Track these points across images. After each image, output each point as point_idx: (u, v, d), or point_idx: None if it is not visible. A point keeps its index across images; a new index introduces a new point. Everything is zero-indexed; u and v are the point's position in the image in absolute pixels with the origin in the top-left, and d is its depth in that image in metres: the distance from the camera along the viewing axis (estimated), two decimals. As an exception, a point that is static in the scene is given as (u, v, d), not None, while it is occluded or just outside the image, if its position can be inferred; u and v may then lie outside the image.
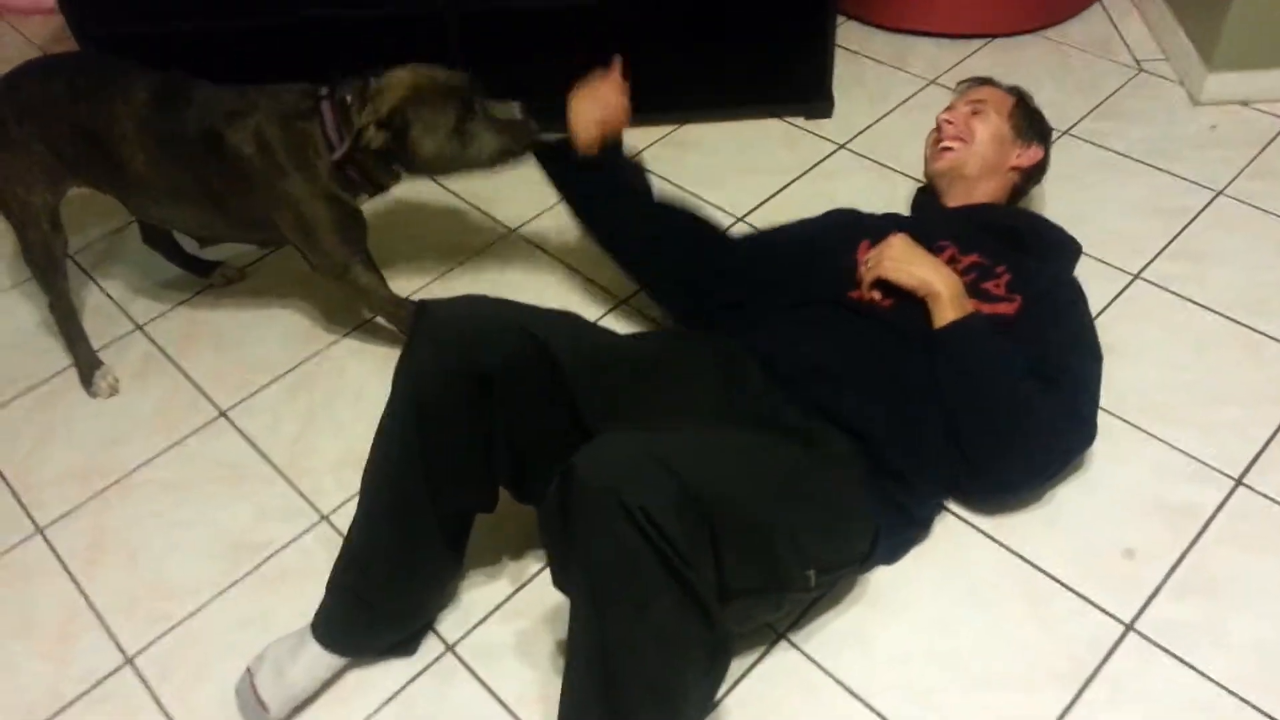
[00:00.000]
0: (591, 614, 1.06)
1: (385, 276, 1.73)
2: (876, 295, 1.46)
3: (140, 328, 1.93)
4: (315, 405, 1.75)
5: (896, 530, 1.39)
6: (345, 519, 1.52)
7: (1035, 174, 1.70)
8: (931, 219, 1.64)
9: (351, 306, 1.91)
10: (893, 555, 1.43)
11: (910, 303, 1.43)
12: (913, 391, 1.38)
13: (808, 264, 1.57)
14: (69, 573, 1.55)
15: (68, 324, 1.81)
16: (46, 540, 1.59)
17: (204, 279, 2.00)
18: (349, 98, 1.55)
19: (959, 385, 1.37)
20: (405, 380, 1.27)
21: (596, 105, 1.63)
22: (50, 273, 1.76)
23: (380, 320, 1.85)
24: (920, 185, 1.73)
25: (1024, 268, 1.48)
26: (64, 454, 1.72)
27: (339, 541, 1.49)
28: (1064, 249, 1.62)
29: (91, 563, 1.55)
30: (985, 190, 1.65)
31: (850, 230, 1.58)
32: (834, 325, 1.44)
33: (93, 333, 1.88)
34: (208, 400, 1.78)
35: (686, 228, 1.69)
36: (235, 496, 1.63)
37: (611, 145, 1.66)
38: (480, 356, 1.22)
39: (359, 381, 1.78)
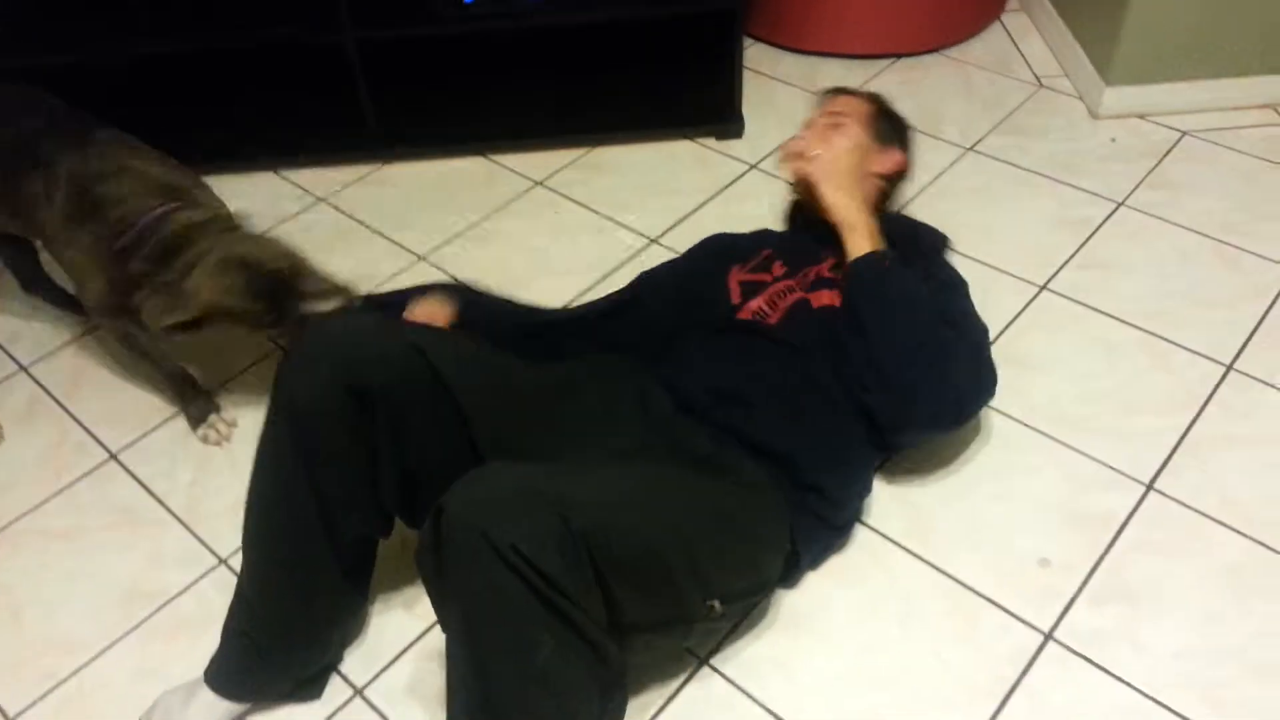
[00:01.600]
0: (470, 659, 1.01)
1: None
2: (788, 174, 1.48)
3: (25, 369, 1.83)
4: (210, 448, 1.68)
5: (818, 540, 1.37)
6: (243, 562, 1.46)
7: (898, 178, 1.68)
8: (809, 231, 1.60)
9: (244, 345, 1.84)
10: (816, 561, 1.41)
11: (796, 313, 1.42)
12: (815, 401, 1.36)
13: (687, 292, 1.55)
14: (-54, 633, 1.45)
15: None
16: (-79, 598, 1.49)
17: (88, 320, 1.91)
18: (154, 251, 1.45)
19: (874, 308, 1.35)
20: (281, 394, 1.21)
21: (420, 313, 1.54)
22: None
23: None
24: (794, 199, 1.71)
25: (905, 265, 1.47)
26: (-58, 505, 1.62)
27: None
28: (935, 244, 1.61)
29: (-30, 620, 1.46)
30: None
31: (723, 256, 1.57)
32: (730, 348, 1.42)
33: (-27, 377, 1.79)
34: (97, 443, 1.69)
35: (570, 322, 1.62)
36: (128, 543, 1.54)
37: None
38: (359, 369, 1.17)
39: (255, 421, 1.69)
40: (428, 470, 1.21)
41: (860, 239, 1.41)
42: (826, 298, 1.44)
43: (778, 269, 1.50)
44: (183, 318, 1.41)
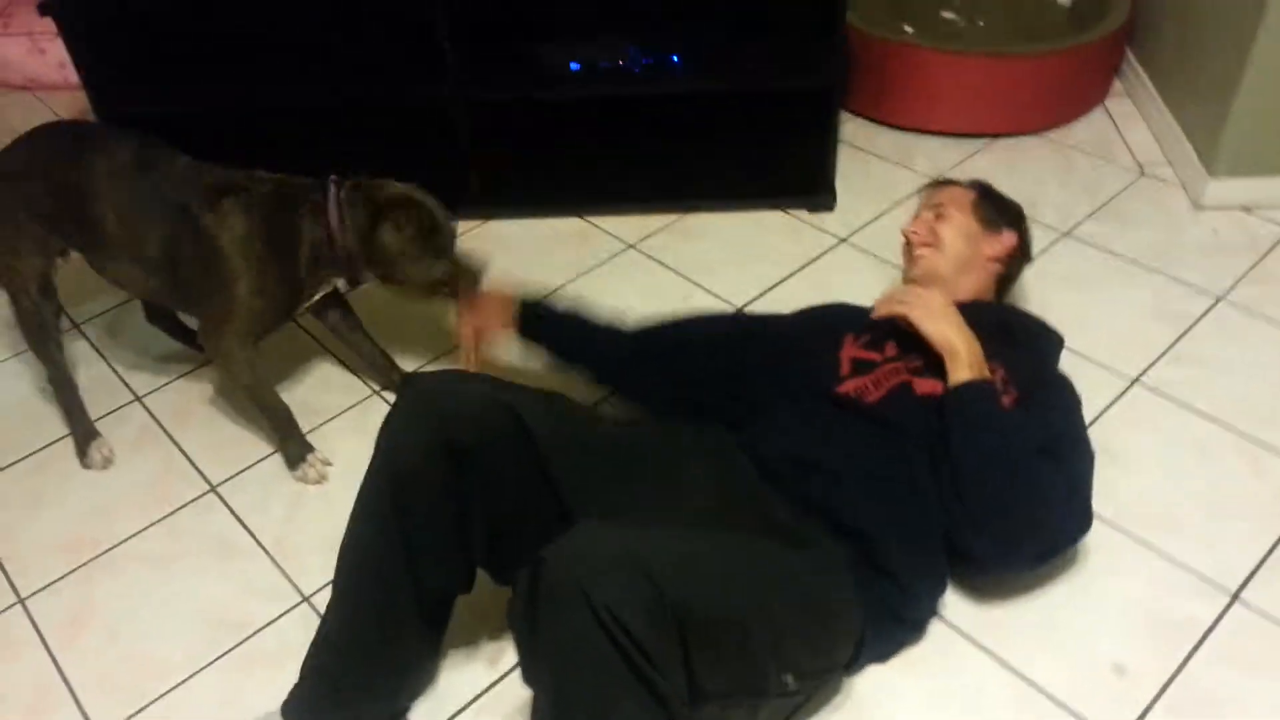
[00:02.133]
0: (555, 709, 1.04)
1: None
2: (870, 324, 1.48)
3: (139, 399, 1.95)
4: (304, 486, 1.75)
5: (887, 631, 1.36)
6: (326, 600, 1.51)
7: (1017, 259, 1.71)
8: None
9: (347, 386, 1.92)
10: (883, 655, 1.40)
11: (897, 396, 1.42)
12: (903, 487, 1.36)
13: (795, 358, 1.56)
14: (46, 645, 1.53)
15: (64, 394, 1.83)
16: (26, 611, 1.58)
17: (204, 355, 2.02)
18: (342, 192, 1.62)
19: (968, 442, 1.34)
20: (382, 451, 1.27)
21: (474, 315, 1.67)
22: (43, 341, 1.78)
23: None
24: (908, 280, 1.75)
25: (1018, 363, 1.48)
26: (53, 524, 1.72)
27: (318, 622, 1.48)
28: (1050, 342, 1.61)
29: (70, 636, 1.54)
30: (969, 285, 1.64)
31: (839, 324, 1.59)
32: (823, 420, 1.43)
33: (93, 403, 1.90)
34: (200, 474, 1.79)
35: (665, 351, 1.65)
36: (220, 574, 1.62)
37: (527, 321, 1.66)
38: (457, 428, 1.23)
39: (349, 461, 1.78)
40: (516, 526, 1.26)
41: (961, 367, 1.39)
42: (931, 386, 1.43)
43: (890, 349, 1.50)
44: (382, 199, 1.62)
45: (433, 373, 1.33)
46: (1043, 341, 1.59)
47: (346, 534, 1.31)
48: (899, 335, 1.49)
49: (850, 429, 1.41)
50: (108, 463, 1.81)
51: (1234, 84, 2.05)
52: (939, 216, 1.67)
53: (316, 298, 1.72)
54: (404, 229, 1.62)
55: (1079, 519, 1.40)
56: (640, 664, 1.00)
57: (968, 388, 1.38)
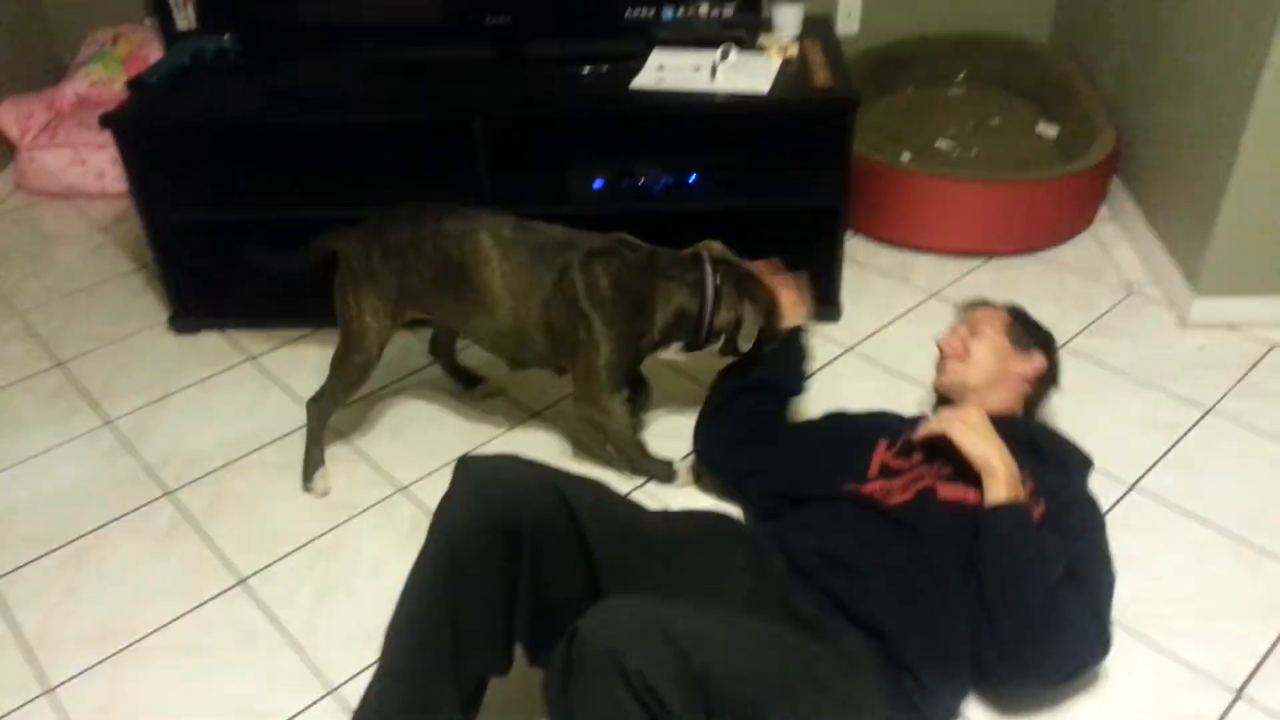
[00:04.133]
0: None
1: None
2: (915, 444, 1.55)
3: (170, 493, 2.00)
4: (333, 578, 1.80)
5: None
6: (354, 692, 1.55)
7: (1045, 380, 1.78)
8: None
9: (372, 483, 1.99)
10: None
11: (919, 500, 1.49)
12: (924, 588, 1.41)
13: (830, 458, 1.64)
14: (76, 734, 1.56)
15: (321, 428, 2.00)
16: (57, 700, 1.61)
17: (469, 391, 2.21)
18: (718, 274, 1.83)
19: (999, 565, 1.39)
20: (439, 531, 1.33)
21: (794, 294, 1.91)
22: (352, 391, 1.98)
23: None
24: (936, 401, 1.85)
25: (1046, 478, 1.53)
26: (86, 614, 1.75)
27: (345, 716, 1.52)
28: (1079, 462, 1.67)
29: (100, 725, 1.57)
30: (997, 400, 1.71)
31: (877, 430, 1.67)
32: (854, 521, 1.50)
33: (121, 497, 1.97)
34: (228, 567, 1.83)
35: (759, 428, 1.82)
36: (248, 665, 1.65)
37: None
38: (511, 510, 1.29)
39: (377, 557, 1.83)
40: (558, 608, 1.31)
41: (998, 485, 1.44)
42: (956, 492, 1.49)
43: (917, 457, 1.58)
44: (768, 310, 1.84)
45: (487, 455, 1.39)
46: (1072, 460, 1.65)
47: (395, 612, 1.36)
48: (931, 448, 1.55)
49: (875, 529, 1.48)
50: (324, 493, 1.97)
51: (1215, 208, 2.19)
52: (973, 333, 1.76)
53: (656, 355, 1.89)
54: (759, 313, 1.82)
55: (1100, 643, 1.43)
56: None
57: (1005, 510, 1.42)
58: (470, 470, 1.36)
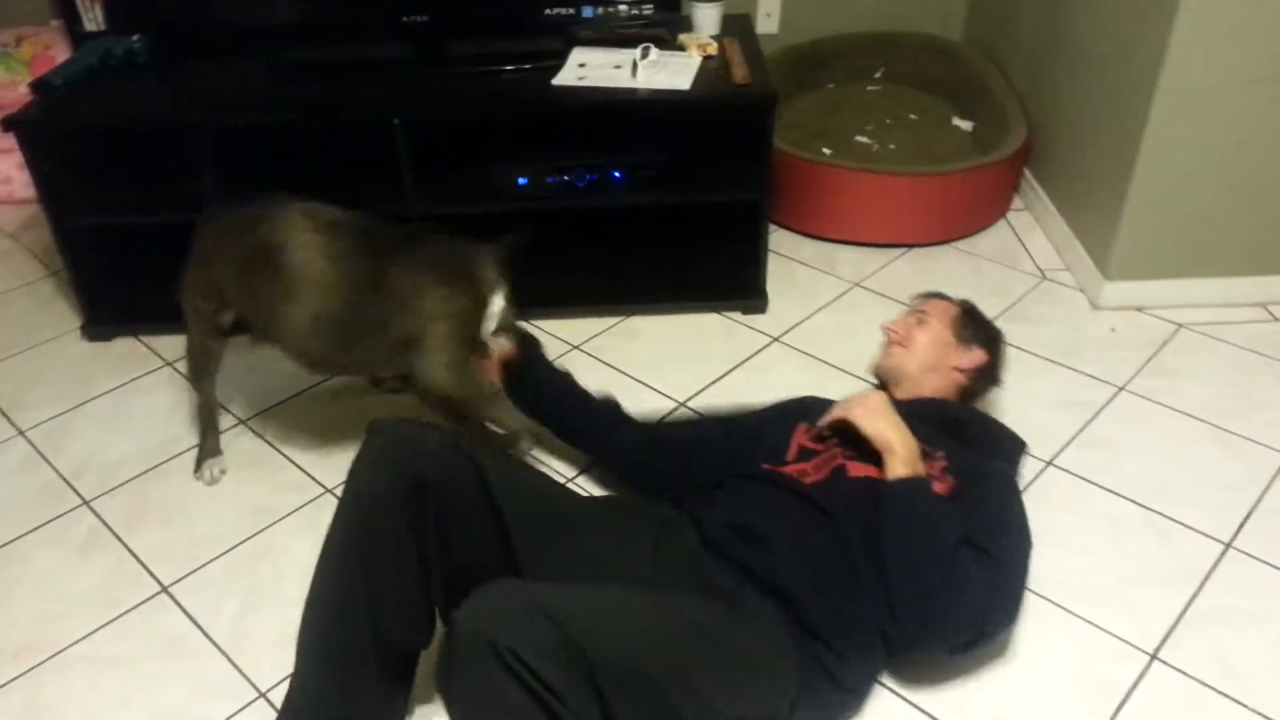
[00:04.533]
0: None
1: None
2: (825, 432, 1.59)
3: (87, 503, 1.95)
4: (259, 583, 1.76)
5: (824, 695, 1.42)
6: (283, 696, 1.52)
7: (983, 375, 1.83)
8: None
9: (299, 485, 1.96)
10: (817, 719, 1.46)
11: (831, 479, 1.53)
12: (836, 560, 1.44)
13: (751, 443, 1.67)
14: (-8, 752, 1.51)
15: (206, 415, 2.02)
16: (-28, 718, 1.56)
17: (377, 388, 2.19)
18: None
19: (897, 538, 1.43)
20: (348, 492, 1.33)
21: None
22: (203, 375, 1.97)
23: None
24: (877, 383, 1.89)
25: (961, 456, 1.59)
26: (4, 627, 1.70)
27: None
28: (1006, 445, 1.72)
29: (17, 741, 1.52)
30: (931, 386, 1.77)
31: (796, 415, 1.70)
32: (765, 497, 1.53)
33: (37, 508, 1.92)
34: (151, 575, 1.79)
35: (673, 446, 1.81)
36: (173, 673, 1.61)
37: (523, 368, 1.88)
38: (417, 463, 1.29)
39: (305, 560, 1.77)
40: (473, 575, 1.29)
41: (897, 462, 1.49)
42: (864, 469, 1.53)
43: (833, 441, 1.61)
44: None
45: (396, 418, 1.39)
46: (994, 443, 1.70)
47: (311, 588, 1.35)
48: (842, 433, 1.60)
49: (786, 504, 1.51)
50: (214, 481, 1.98)
51: (1122, 197, 2.27)
52: (920, 322, 1.82)
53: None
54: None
55: (1003, 611, 1.47)
56: (551, 704, 1.05)
57: (901, 484, 1.48)
58: (378, 432, 1.36)
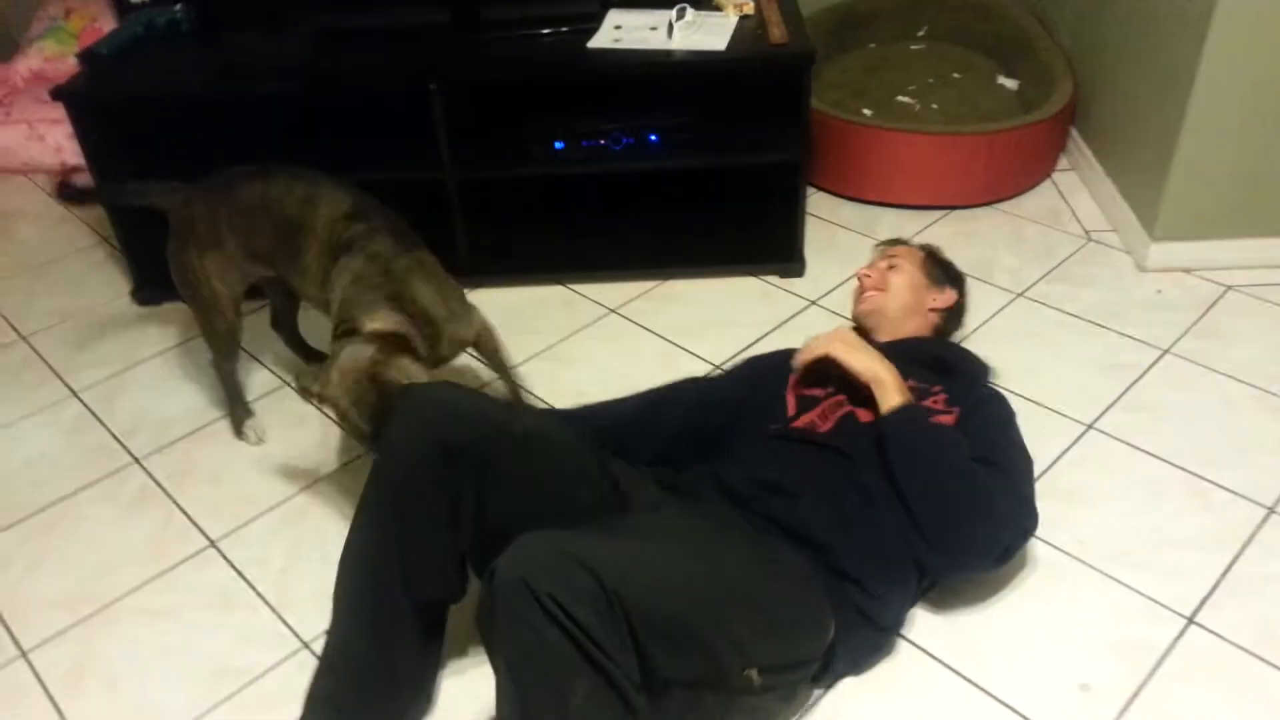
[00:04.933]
0: (513, 702, 1.11)
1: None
2: (798, 373, 1.61)
3: (138, 461, 2.01)
4: (302, 539, 1.81)
5: (861, 636, 1.44)
6: (325, 645, 1.57)
7: (954, 313, 1.90)
8: None
9: (337, 446, 2.00)
10: (858, 664, 1.48)
11: (844, 426, 1.54)
12: (860, 501, 1.46)
13: (747, 407, 1.69)
14: (50, 696, 1.57)
15: (232, 382, 2.04)
16: (29, 663, 1.62)
17: (311, 364, 2.18)
18: None
19: (909, 465, 1.45)
20: (382, 458, 1.35)
21: None
22: (232, 353, 1.99)
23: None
24: (853, 326, 1.91)
25: (955, 387, 1.63)
26: (55, 580, 1.76)
27: (318, 666, 1.53)
28: (979, 368, 1.80)
29: (73, 687, 1.58)
30: (910, 327, 1.83)
31: (781, 368, 1.71)
32: (780, 450, 1.55)
33: (89, 466, 1.98)
34: (199, 531, 1.84)
35: (643, 428, 1.77)
36: (220, 624, 1.66)
37: None
38: (450, 427, 1.31)
39: (345, 514, 1.83)
40: (504, 527, 1.30)
41: (888, 392, 1.51)
42: (870, 414, 1.55)
43: (829, 385, 1.63)
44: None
45: (429, 383, 1.42)
46: (973, 366, 1.78)
47: (345, 545, 1.38)
48: (823, 374, 1.61)
49: (805, 456, 1.53)
50: (260, 440, 2.02)
51: (1169, 156, 2.22)
52: (891, 266, 1.87)
53: None
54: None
55: (1024, 517, 1.50)
56: (589, 649, 1.07)
57: (900, 411, 1.50)
58: (412, 397, 1.38)
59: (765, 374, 1.75)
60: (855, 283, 1.92)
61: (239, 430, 2.03)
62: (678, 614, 1.18)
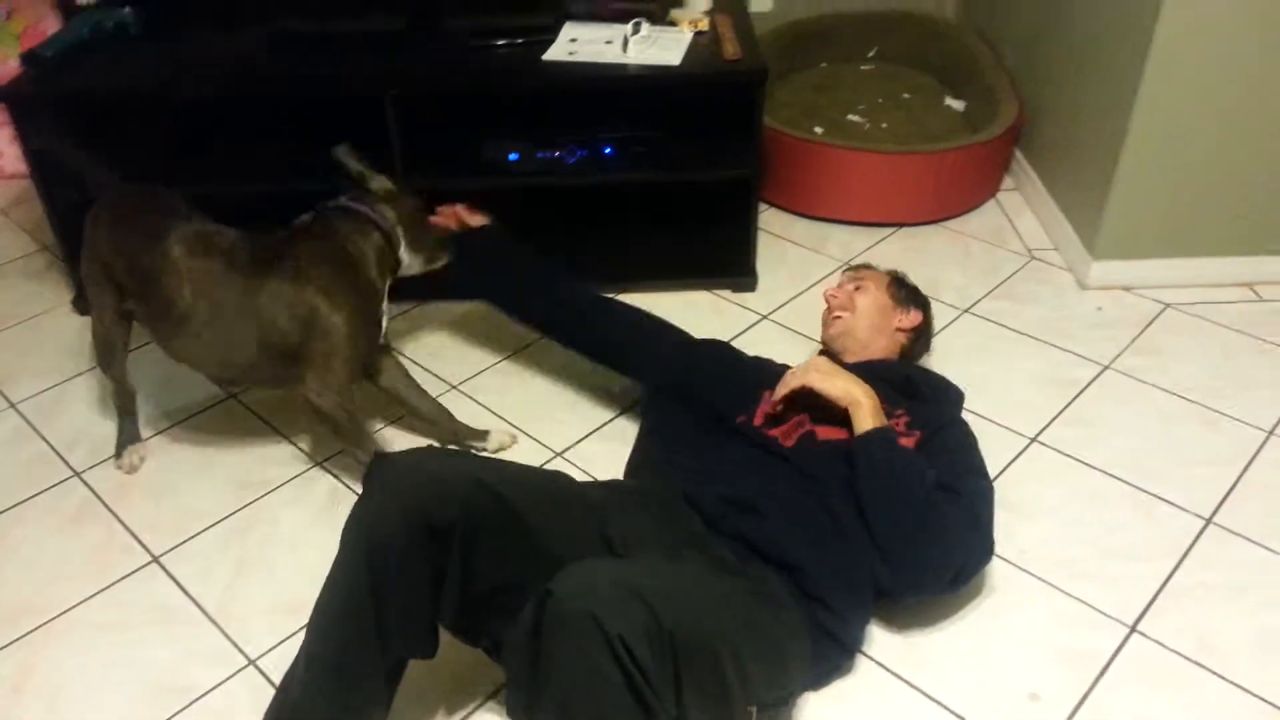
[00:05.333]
0: None
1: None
2: (779, 408, 1.63)
3: (78, 475, 1.96)
4: (248, 553, 1.78)
5: (826, 657, 1.46)
6: (272, 664, 1.56)
7: (921, 334, 1.93)
8: None
9: (289, 458, 1.97)
10: (820, 681, 1.49)
11: (804, 445, 1.57)
12: (823, 523, 1.48)
13: (726, 383, 1.73)
14: (-15, 715, 1.52)
15: (122, 402, 1.99)
16: (-36, 682, 1.57)
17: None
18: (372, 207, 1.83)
19: (877, 486, 1.49)
20: (359, 528, 1.29)
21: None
22: (111, 364, 1.93)
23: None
24: (820, 350, 1.95)
25: (919, 410, 1.66)
26: (-5, 595, 1.71)
27: (265, 686, 1.51)
28: (951, 395, 1.81)
29: (11, 704, 1.53)
30: (878, 348, 1.86)
31: (762, 378, 1.73)
32: (751, 464, 1.56)
33: (30, 479, 1.93)
34: (141, 546, 1.80)
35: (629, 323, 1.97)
36: (164, 640, 1.63)
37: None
38: (435, 507, 1.26)
39: (294, 531, 1.82)
40: (491, 589, 1.30)
41: (864, 415, 1.55)
42: (832, 432, 1.58)
43: (794, 410, 1.65)
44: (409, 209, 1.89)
45: (410, 451, 1.36)
46: (943, 393, 1.79)
47: (317, 605, 1.32)
48: (801, 402, 1.63)
49: (771, 470, 1.55)
50: (134, 469, 1.95)
51: (1110, 176, 2.28)
52: (858, 288, 1.91)
53: (386, 301, 1.85)
54: (416, 209, 1.91)
55: (980, 545, 1.54)
56: (642, 688, 1.07)
57: (871, 436, 1.53)
58: (387, 471, 1.31)
59: (749, 370, 1.81)
60: (823, 305, 1.94)
61: (119, 452, 1.96)
62: (712, 652, 1.17)
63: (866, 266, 2.01)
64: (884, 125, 2.84)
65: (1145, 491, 1.84)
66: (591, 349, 1.98)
